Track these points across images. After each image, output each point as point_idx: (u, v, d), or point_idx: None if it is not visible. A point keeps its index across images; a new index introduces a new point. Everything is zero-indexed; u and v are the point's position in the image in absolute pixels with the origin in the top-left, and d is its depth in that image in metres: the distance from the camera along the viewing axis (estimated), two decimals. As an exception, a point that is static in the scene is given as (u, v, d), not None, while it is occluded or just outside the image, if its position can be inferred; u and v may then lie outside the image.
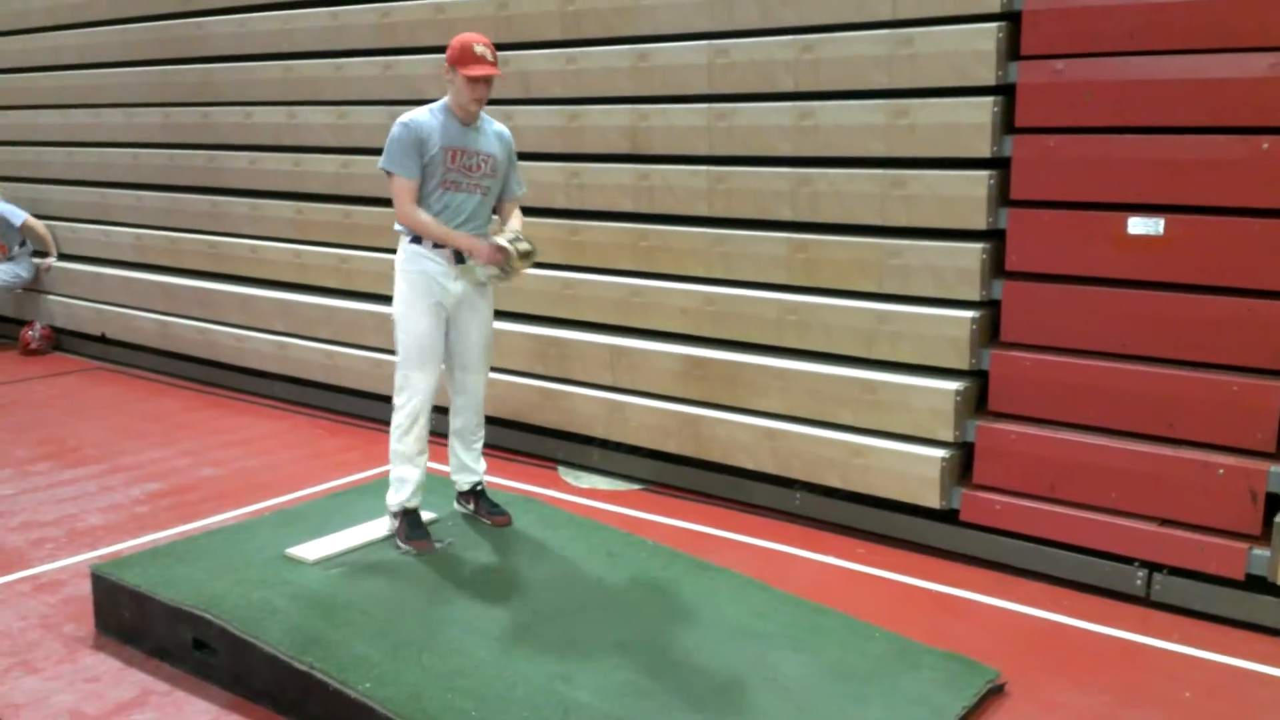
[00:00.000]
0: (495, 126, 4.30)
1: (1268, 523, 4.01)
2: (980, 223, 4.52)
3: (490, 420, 4.67)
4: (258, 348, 7.23)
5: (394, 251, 4.27)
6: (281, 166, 7.11)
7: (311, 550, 4.10)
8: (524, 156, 5.48)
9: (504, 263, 4.09)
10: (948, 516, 4.66)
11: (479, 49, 4.06)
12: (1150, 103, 4.15)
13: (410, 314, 4.15)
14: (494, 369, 4.94)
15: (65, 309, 8.71)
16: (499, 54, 5.18)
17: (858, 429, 4.82)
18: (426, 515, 4.37)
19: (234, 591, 3.75)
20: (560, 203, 5.80)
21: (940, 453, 4.57)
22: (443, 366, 4.35)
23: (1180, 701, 3.52)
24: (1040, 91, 4.36)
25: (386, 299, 4.22)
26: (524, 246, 4.09)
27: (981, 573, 4.49)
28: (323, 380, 6.90)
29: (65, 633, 3.97)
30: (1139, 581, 4.20)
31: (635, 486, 5.53)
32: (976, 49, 4.43)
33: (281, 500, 5.26)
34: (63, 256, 8.84)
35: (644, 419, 5.46)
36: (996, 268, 4.61)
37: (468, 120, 4.15)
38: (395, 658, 3.37)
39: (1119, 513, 4.28)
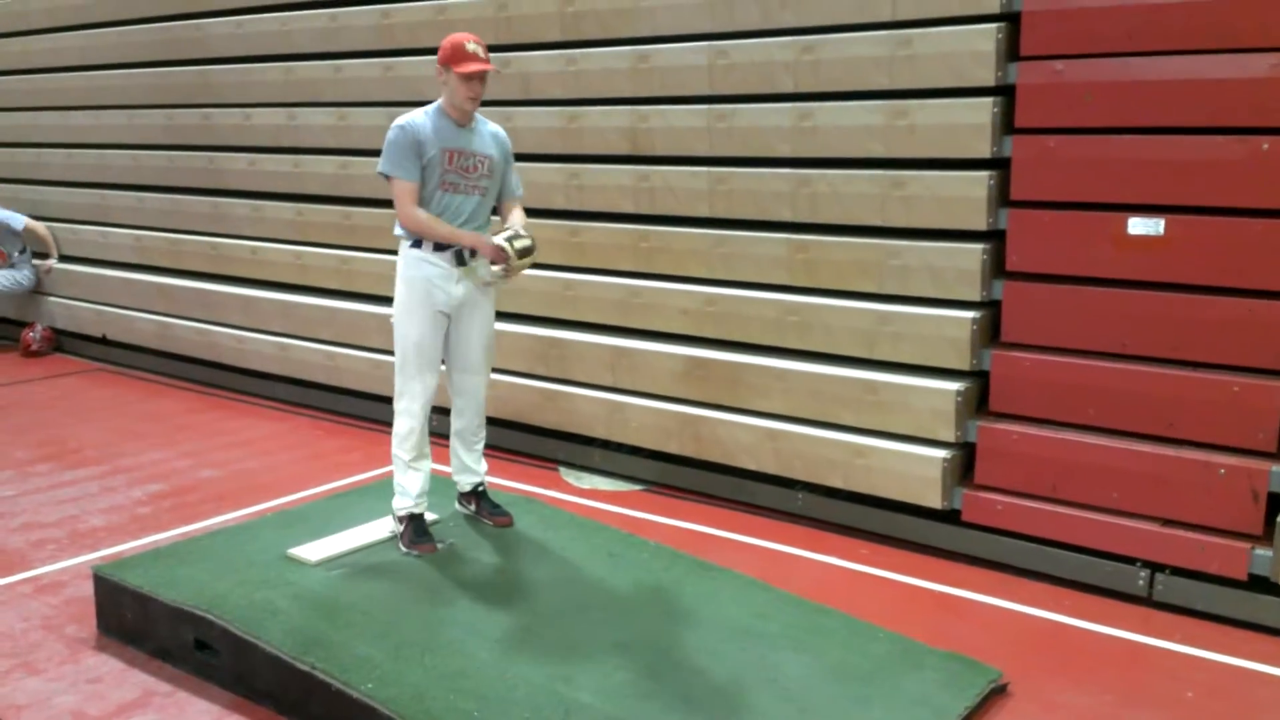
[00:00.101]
0: (490, 127, 4.30)
1: (1269, 523, 4.01)
2: (980, 223, 4.52)
3: (491, 421, 4.67)
4: (258, 349, 7.24)
5: (394, 252, 4.27)
6: (281, 168, 7.12)
7: (313, 551, 4.11)
8: (524, 158, 5.49)
9: (504, 263, 4.09)
10: (949, 517, 4.66)
11: (471, 46, 4.05)
12: (1150, 103, 4.16)
13: (410, 320, 4.14)
14: (495, 370, 4.94)
15: (66, 310, 8.71)
16: (499, 55, 5.17)
17: (859, 429, 4.83)
18: (429, 516, 4.37)
19: (236, 592, 3.75)
20: (560, 204, 5.80)
21: (942, 453, 4.58)
22: (444, 368, 4.35)
23: (1182, 701, 3.52)
24: (1040, 92, 4.37)
25: (387, 300, 4.22)
26: (521, 244, 4.07)
27: (983, 573, 4.50)
28: (323, 381, 6.90)
29: (67, 634, 3.97)
30: (1141, 581, 4.21)
31: (636, 487, 5.53)
32: (976, 50, 4.43)
33: (283, 501, 5.26)
34: (63, 258, 8.84)
35: (645, 420, 5.46)
36: (997, 268, 4.61)
37: (463, 121, 4.15)
38: (397, 658, 3.37)
39: (1121, 513, 4.28)
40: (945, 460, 4.55)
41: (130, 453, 6.12)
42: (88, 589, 4.10)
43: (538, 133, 5.82)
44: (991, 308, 4.64)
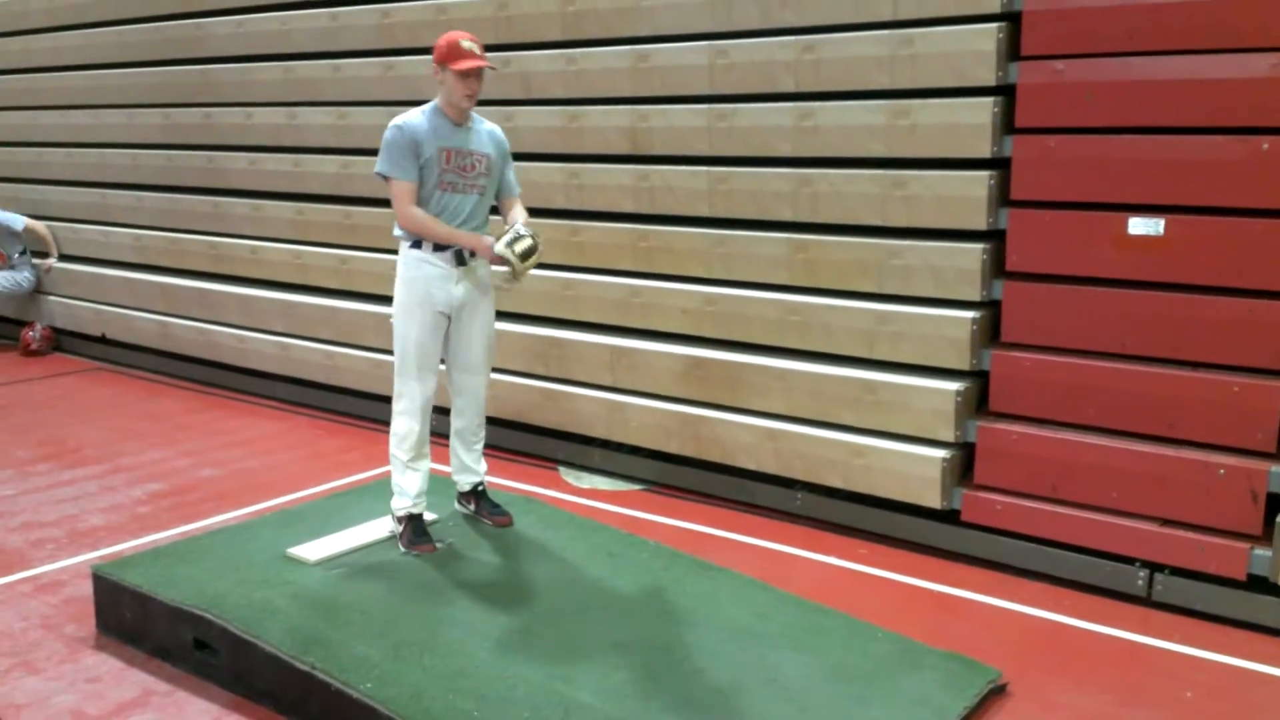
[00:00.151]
0: (487, 126, 4.28)
1: (1269, 523, 4.01)
2: (981, 223, 4.52)
3: (491, 421, 4.67)
4: (258, 348, 7.23)
5: (394, 252, 4.27)
6: (281, 167, 7.12)
7: (312, 550, 4.11)
8: (524, 157, 5.50)
9: (507, 266, 4.08)
10: (949, 517, 4.66)
11: (466, 44, 4.05)
12: (1150, 103, 4.15)
13: (410, 321, 4.13)
14: (495, 370, 4.93)
15: (65, 310, 8.71)
16: (500, 55, 5.16)
17: (859, 429, 4.82)
18: (428, 516, 4.37)
19: (235, 592, 3.75)
20: (560, 203, 5.80)
21: (941, 453, 4.58)
22: (443, 367, 4.35)
23: (1181, 701, 3.52)
24: (1040, 92, 4.37)
25: (387, 300, 4.22)
26: (523, 246, 4.04)
27: (983, 573, 4.49)
28: (323, 381, 6.90)
29: (66, 633, 3.97)
30: (1140, 581, 4.21)
31: (636, 487, 5.53)
32: (977, 49, 4.43)
33: (282, 500, 5.26)
34: (63, 257, 8.84)
35: (645, 419, 5.46)
36: (997, 268, 4.61)
37: (460, 120, 4.14)
38: (396, 658, 3.37)
39: (1120, 513, 4.28)
40: (945, 460, 4.55)
41: (130, 452, 6.12)
42: (87, 588, 4.10)
43: (538, 132, 5.82)
44: (991, 307, 4.64)
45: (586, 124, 5.67)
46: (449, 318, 4.21)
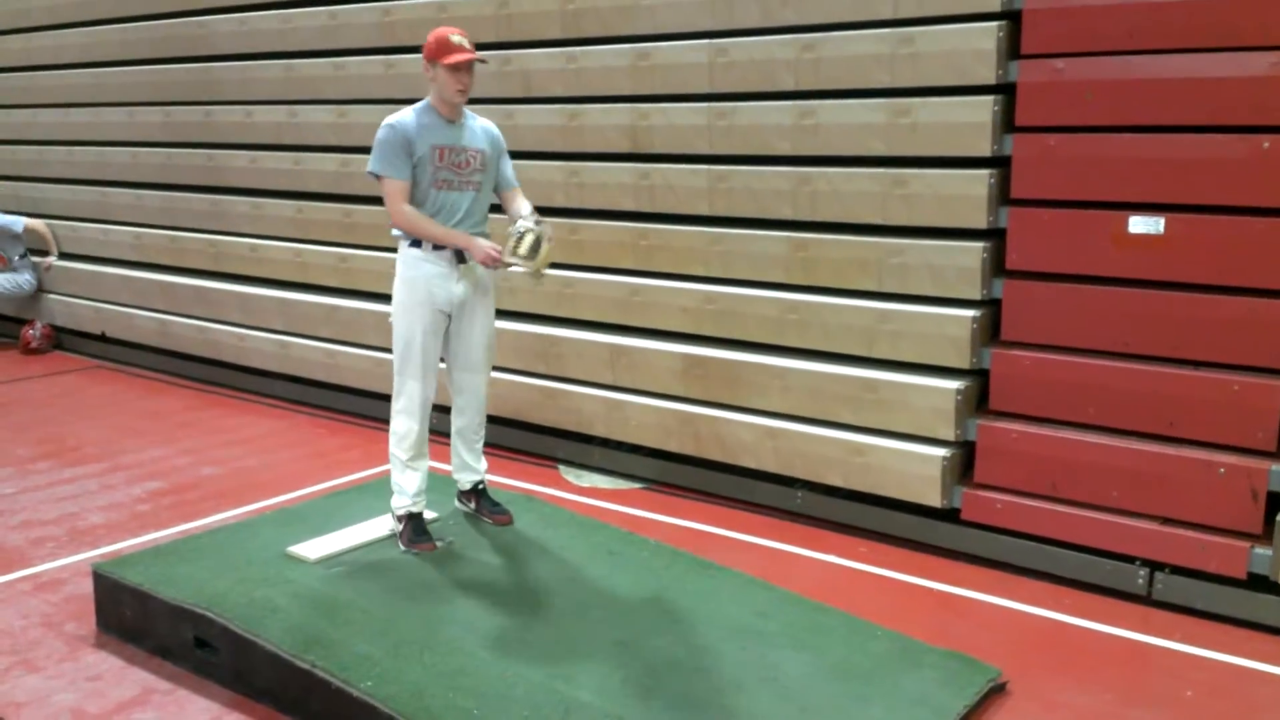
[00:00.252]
0: (480, 122, 4.27)
1: (1269, 521, 4.01)
2: (981, 222, 4.52)
3: (491, 419, 4.67)
4: (258, 346, 7.23)
5: (394, 250, 4.26)
6: (282, 165, 7.11)
7: (313, 549, 4.11)
8: (524, 155, 5.49)
9: (494, 265, 4.04)
10: (949, 515, 4.66)
11: (456, 38, 4.05)
12: (1151, 102, 4.15)
13: (410, 320, 4.12)
14: (495, 368, 4.93)
15: (65, 308, 8.71)
16: (500, 53, 5.14)
17: (859, 428, 4.82)
18: (428, 514, 4.37)
19: (235, 590, 3.75)
20: (560, 202, 5.79)
21: (941, 451, 4.58)
22: (444, 366, 4.35)
23: (1182, 700, 3.52)
24: (1041, 90, 4.36)
25: (387, 298, 4.21)
26: (526, 244, 3.98)
27: (983, 571, 4.49)
28: (323, 379, 6.91)
29: (67, 631, 3.97)
30: (1141, 580, 4.21)
31: (636, 485, 5.53)
32: (977, 48, 4.43)
33: (282, 499, 5.26)
34: (63, 255, 8.84)
35: (645, 418, 5.46)
36: (997, 266, 4.61)
37: (453, 116, 4.13)
38: (397, 656, 3.37)
39: (1121, 511, 4.28)
40: (945, 459, 4.55)
41: (130, 450, 6.12)
42: (87, 586, 4.10)
43: (538, 130, 5.82)
44: (992, 306, 4.64)
45: (586, 122, 5.66)
46: (449, 316, 4.20)
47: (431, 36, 4.07)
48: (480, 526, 4.45)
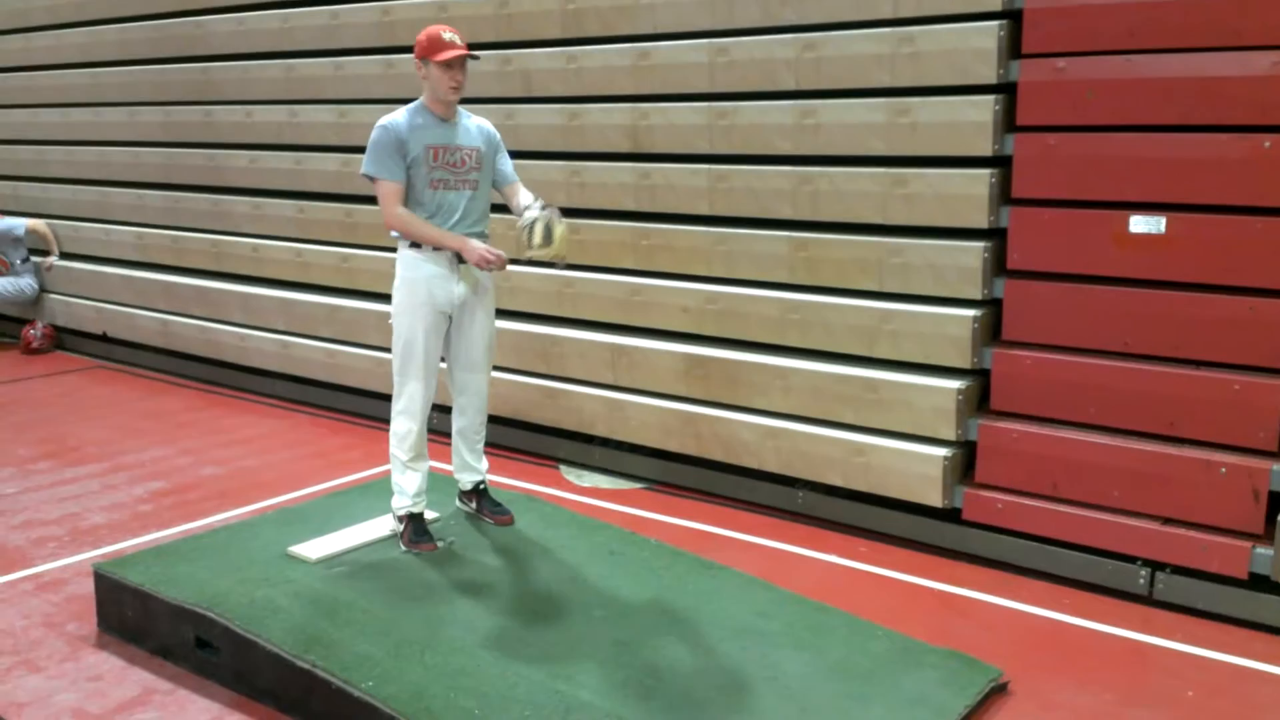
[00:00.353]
0: (474, 120, 4.25)
1: (1270, 521, 4.01)
2: (982, 221, 4.52)
3: (492, 419, 4.67)
4: (259, 346, 7.24)
5: (395, 250, 4.25)
6: (283, 165, 7.12)
7: (314, 549, 4.11)
8: (525, 155, 5.49)
9: (492, 267, 4.04)
10: (950, 515, 4.66)
11: (447, 35, 4.04)
12: (1151, 101, 4.15)
13: (410, 321, 4.12)
14: (496, 368, 4.94)
15: (67, 308, 8.71)
16: (500, 53, 5.13)
17: (860, 428, 4.82)
18: (429, 515, 4.37)
19: (236, 590, 3.75)
20: (561, 201, 5.74)
21: (942, 451, 4.57)
22: (444, 366, 4.34)
23: (1183, 700, 3.52)
24: (1041, 90, 4.36)
25: (388, 298, 4.21)
26: (539, 235, 3.92)
27: (984, 571, 4.49)
28: (324, 379, 6.91)
29: (68, 631, 3.97)
30: (1142, 580, 4.20)
31: (637, 485, 5.53)
32: (978, 47, 4.42)
33: (283, 499, 5.26)
34: (64, 255, 8.84)
35: (645, 418, 5.46)
36: (998, 266, 4.61)
37: (447, 115, 4.12)
38: (397, 656, 3.37)
39: (1122, 511, 4.28)
40: (946, 459, 4.55)
41: (131, 450, 6.12)
42: (88, 586, 4.10)
43: (539, 130, 5.82)
44: (992, 306, 4.63)
45: (587, 122, 5.66)
46: (450, 317, 4.20)
47: (423, 34, 4.07)
48: (481, 527, 4.45)
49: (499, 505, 4.53)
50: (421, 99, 4.13)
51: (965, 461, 4.68)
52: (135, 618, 3.86)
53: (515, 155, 4.45)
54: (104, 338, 8.47)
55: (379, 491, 4.58)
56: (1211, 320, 4.12)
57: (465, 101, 4.34)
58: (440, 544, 4.23)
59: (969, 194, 4.52)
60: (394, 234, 4.15)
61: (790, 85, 4.96)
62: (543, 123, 5.80)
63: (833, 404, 4.88)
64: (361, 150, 4.10)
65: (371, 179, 4.06)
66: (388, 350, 4.25)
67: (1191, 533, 4.11)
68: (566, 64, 5.69)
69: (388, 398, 4.30)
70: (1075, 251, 4.37)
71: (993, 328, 4.66)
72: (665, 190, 5.42)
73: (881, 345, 4.78)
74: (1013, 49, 4.43)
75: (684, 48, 5.27)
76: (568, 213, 5.70)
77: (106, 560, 4.18)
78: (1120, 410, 4.30)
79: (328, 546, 4.14)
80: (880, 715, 3.20)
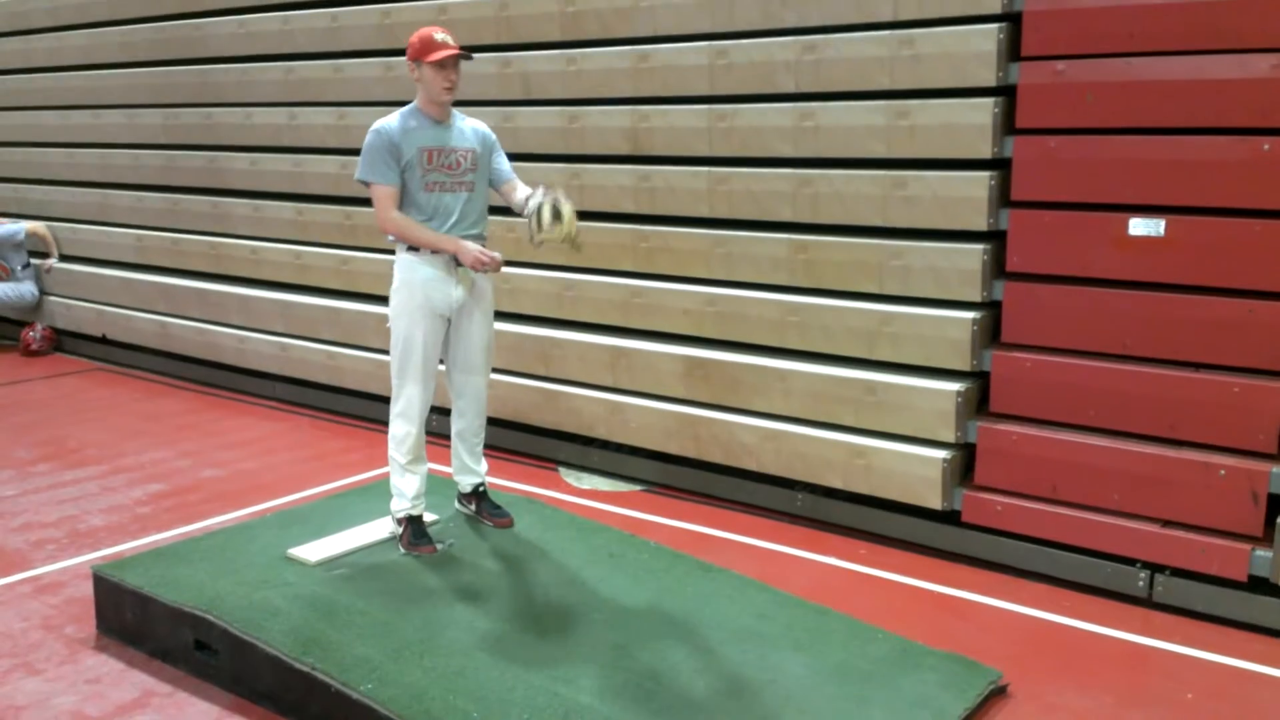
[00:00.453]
0: (469, 122, 4.24)
1: (1269, 524, 4.01)
2: (981, 224, 4.52)
3: (491, 421, 4.66)
4: (259, 349, 7.24)
5: (394, 253, 4.26)
6: (282, 167, 7.12)
7: (313, 551, 4.10)
8: (524, 157, 5.49)
9: (489, 262, 4.03)
10: (949, 517, 4.66)
11: (439, 35, 4.03)
12: (1151, 104, 4.15)
13: (409, 324, 4.11)
14: (495, 370, 4.94)
15: (66, 310, 8.71)
16: (500, 55, 5.13)
17: (859, 430, 4.82)
18: (428, 517, 4.37)
19: (235, 592, 3.75)
20: (561, 203, 5.79)
21: (942, 454, 4.57)
22: (443, 368, 4.34)
23: (1182, 703, 3.52)
24: (1041, 92, 4.36)
25: (387, 300, 4.21)
26: (546, 217, 3.90)
27: (983, 574, 4.49)
28: (324, 381, 6.90)
29: (67, 634, 3.97)
30: (1141, 583, 4.20)
31: (636, 487, 5.53)
32: (977, 50, 4.43)
33: (283, 501, 5.26)
34: (63, 257, 8.84)
35: (645, 420, 5.46)
36: (997, 269, 4.61)
37: (441, 117, 4.11)
38: (397, 659, 3.37)
39: (1121, 514, 4.28)
40: (945, 461, 4.55)
41: (130, 452, 6.12)
42: (87, 589, 4.10)
43: (538, 132, 5.82)
44: (992, 308, 4.63)
45: (587, 124, 5.66)
46: (448, 320, 4.20)
47: (414, 37, 4.06)
48: (480, 529, 4.45)
49: (498, 508, 4.53)
50: (415, 102, 4.13)
51: (965, 464, 4.68)
52: (134, 620, 3.85)
53: (514, 158, 4.44)
54: (103, 340, 8.47)
55: (378, 494, 4.58)
56: (1211, 322, 4.12)
57: (465, 104, 4.35)
58: (439, 546, 4.23)
59: (969, 196, 4.52)
60: (390, 238, 4.15)
61: (790, 88, 4.96)
62: (542, 125, 5.81)
63: (832, 406, 4.88)
64: (361, 153, 4.10)
65: (366, 184, 4.06)
66: (387, 353, 4.25)
67: (1191, 535, 4.11)
68: (566, 66, 5.69)
69: (387, 400, 4.30)
70: (1075, 254, 4.37)
71: (992, 330, 4.66)
72: (665, 192, 5.42)
73: (881, 347, 4.79)
74: (1012, 51, 4.44)
75: (684, 50, 5.27)
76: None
77: (105, 562, 4.18)
78: (1119, 412, 4.30)
79: (327, 549, 4.14)
80: (880, 718, 3.20)
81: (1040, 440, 4.44)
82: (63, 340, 8.85)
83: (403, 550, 4.19)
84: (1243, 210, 4.03)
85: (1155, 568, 4.20)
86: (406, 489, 4.22)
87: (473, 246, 4.04)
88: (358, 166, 4.07)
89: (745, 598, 3.93)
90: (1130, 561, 4.24)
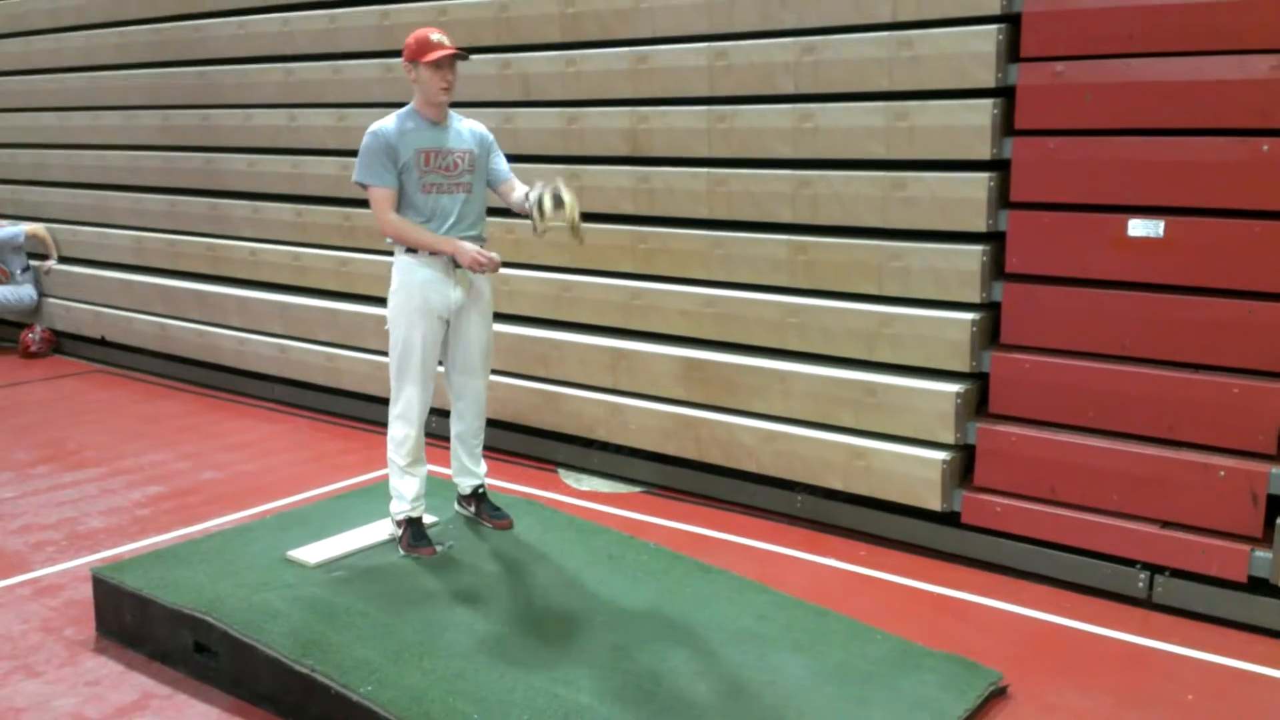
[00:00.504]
0: (465, 123, 4.24)
1: (1269, 525, 4.01)
2: (980, 225, 4.52)
3: (490, 423, 4.66)
4: (258, 350, 7.23)
5: (393, 255, 4.25)
6: (281, 169, 7.11)
7: (312, 553, 4.10)
8: (524, 159, 5.49)
9: (486, 262, 4.02)
10: (949, 519, 4.66)
11: (435, 36, 4.03)
12: (1150, 105, 4.15)
13: (407, 326, 4.11)
14: (494, 371, 4.93)
15: (65, 312, 8.71)
16: (499, 56, 5.12)
17: (859, 431, 4.82)
18: (428, 519, 4.36)
19: (235, 594, 3.74)
20: (560, 205, 5.79)
21: (941, 455, 4.57)
22: (442, 369, 4.34)
23: (1182, 704, 3.52)
24: (1040, 93, 4.36)
25: (386, 302, 4.21)
26: (548, 207, 3.88)
27: (983, 575, 4.49)
28: (323, 383, 6.90)
29: (66, 636, 3.96)
30: (1140, 583, 4.20)
31: (636, 489, 5.53)
32: (976, 51, 4.43)
33: (282, 503, 5.25)
34: (62, 259, 8.84)
35: (644, 421, 5.46)
36: (997, 270, 4.61)
37: (438, 118, 4.11)
38: (396, 661, 3.37)
39: (1120, 515, 4.28)
40: (945, 462, 4.55)
41: (129, 454, 6.12)
42: (87, 591, 4.09)
43: (537, 134, 5.82)
44: (991, 309, 4.64)
45: (586, 126, 5.66)
46: (447, 321, 4.20)
47: (410, 38, 4.05)
48: (480, 531, 4.45)
49: (498, 509, 4.53)
50: (412, 103, 4.12)
51: (964, 465, 4.68)
52: (134, 622, 3.85)
53: (514, 159, 4.44)
54: (102, 341, 8.46)
55: (378, 495, 4.58)
56: (1210, 323, 4.12)
57: (464, 105, 4.35)
58: (439, 548, 4.22)
59: (968, 197, 4.52)
60: (388, 240, 4.15)
61: (789, 89, 4.97)
62: (541, 126, 5.81)
63: (832, 407, 4.88)
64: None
65: (364, 186, 4.06)
66: (386, 354, 4.25)
67: (1190, 536, 4.11)
68: (565, 67, 5.69)
69: (386, 402, 4.30)
70: (1074, 255, 4.37)
71: (991, 331, 4.66)
72: (664, 194, 5.42)
73: (880, 349, 4.79)
74: (1011, 53, 4.44)
75: (683, 51, 5.27)
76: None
77: (105, 564, 4.18)
78: (1119, 413, 4.30)
79: (326, 551, 4.14)
80: (880, 718, 3.20)
81: (1040, 441, 4.44)
82: (62, 342, 8.85)
83: (402, 552, 4.19)
84: (1242, 211, 4.03)
85: (1155, 568, 4.20)
86: (406, 491, 4.22)
87: (471, 247, 4.04)
88: (355, 169, 4.06)
89: (745, 599, 3.93)
90: (1130, 562, 4.24)
